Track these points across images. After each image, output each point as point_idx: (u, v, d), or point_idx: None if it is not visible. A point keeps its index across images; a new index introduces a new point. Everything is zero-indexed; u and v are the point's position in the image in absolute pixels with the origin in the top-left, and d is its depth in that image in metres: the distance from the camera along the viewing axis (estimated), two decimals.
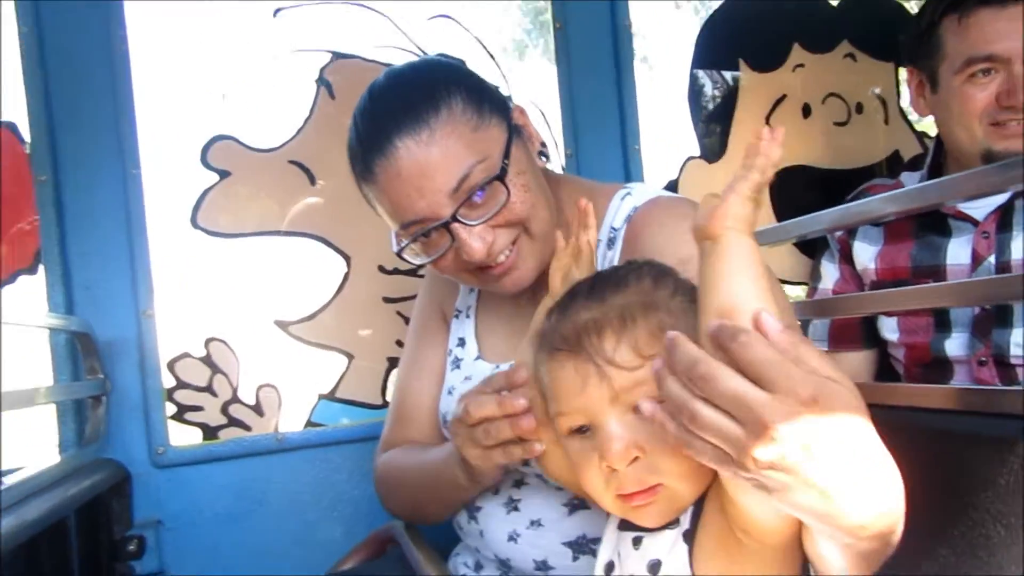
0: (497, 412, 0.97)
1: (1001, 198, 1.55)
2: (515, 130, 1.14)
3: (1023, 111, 1.49)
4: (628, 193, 1.21)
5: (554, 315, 0.88)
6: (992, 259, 1.54)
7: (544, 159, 1.20)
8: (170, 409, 1.66)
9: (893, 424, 1.01)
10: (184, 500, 1.64)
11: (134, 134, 1.64)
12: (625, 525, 0.88)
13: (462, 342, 1.34)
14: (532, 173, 1.14)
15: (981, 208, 1.57)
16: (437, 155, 1.06)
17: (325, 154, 1.76)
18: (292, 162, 1.76)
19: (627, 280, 0.85)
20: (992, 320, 1.52)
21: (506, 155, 1.10)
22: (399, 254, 1.16)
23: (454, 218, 1.08)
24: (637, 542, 0.85)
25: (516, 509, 1.18)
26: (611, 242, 1.18)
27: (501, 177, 1.08)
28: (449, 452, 1.13)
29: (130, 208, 1.63)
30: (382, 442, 1.41)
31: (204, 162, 1.70)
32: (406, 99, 1.09)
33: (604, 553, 0.91)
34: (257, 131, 1.75)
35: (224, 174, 1.71)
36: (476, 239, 1.09)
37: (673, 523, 0.82)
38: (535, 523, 1.16)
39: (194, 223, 1.69)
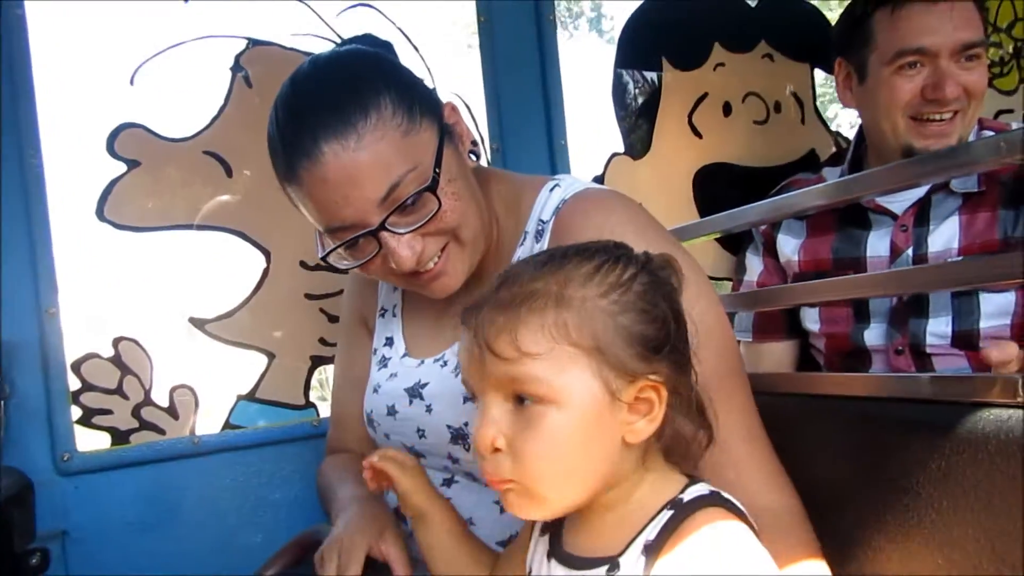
0: None
1: (919, 193, 1.61)
2: (446, 131, 1.11)
3: (945, 106, 1.54)
4: (556, 185, 1.20)
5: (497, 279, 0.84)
6: (910, 252, 1.60)
7: (474, 158, 1.17)
8: (76, 413, 1.56)
9: (819, 412, 1.04)
10: (92, 509, 1.55)
11: (34, 120, 1.53)
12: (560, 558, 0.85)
13: (390, 341, 1.31)
14: (463, 178, 1.11)
15: (900, 202, 1.63)
16: (366, 162, 1.01)
17: (242, 145, 1.69)
18: (207, 152, 1.68)
19: (566, 264, 0.80)
20: (909, 311, 1.58)
21: (437, 163, 1.06)
22: (324, 259, 1.12)
23: (382, 227, 1.05)
24: None
25: None
26: (539, 234, 1.16)
27: (432, 188, 1.05)
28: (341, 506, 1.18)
29: (30, 200, 1.52)
30: (326, 445, 1.44)
31: (111, 151, 1.61)
32: (332, 98, 1.04)
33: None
34: (168, 119, 1.66)
35: (133, 164, 1.62)
36: (405, 248, 1.06)
37: (615, 568, 0.78)
38: (467, 522, 1.14)
39: (100, 216, 1.59)
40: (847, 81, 1.70)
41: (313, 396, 1.74)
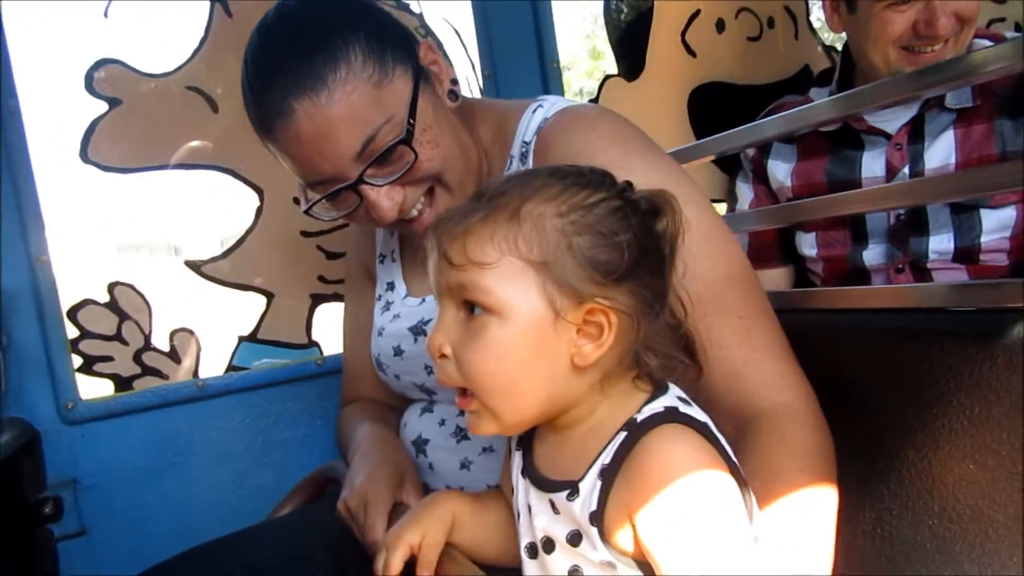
0: None
1: (911, 111, 1.59)
2: (422, 74, 1.07)
3: (938, 39, 1.52)
4: (539, 106, 1.17)
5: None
6: (906, 170, 1.59)
7: (454, 98, 1.13)
8: (76, 361, 1.53)
9: (840, 328, 1.04)
10: (101, 456, 1.54)
11: (6, 60, 1.46)
12: (533, 479, 0.84)
13: (391, 285, 1.30)
14: (442, 123, 1.08)
15: (893, 121, 1.61)
16: (338, 117, 0.99)
17: (226, 79, 1.62)
18: (190, 88, 1.61)
19: (535, 181, 0.79)
20: (909, 229, 1.57)
21: (411, 114, 1.03)
22: (307, 212, 1.10)
23: (360, 180, 1.03)
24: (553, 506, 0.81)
25: (466, 438, 1.16)
26: (523, 156, 1.14)
27: (407, 140, 1.02)
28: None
29: (10, 144, 1.46)
30: (340, 397, 1.43)
31: (90, 89, 1.54)
32: (300, 50, 0.99)
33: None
34: (148, 54, 1.59)
35: (114, 102, 1.55)
36: (385, 199, 1.05)
37: (575, 493, 0.78)
38: (487, 449, 1.14)
39: (84, 158, 1.54)
40: (835, 6, 1.66)
41: (316, 335, 1.72)
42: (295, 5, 1.07)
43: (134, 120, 1.57)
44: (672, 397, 0.79)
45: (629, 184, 0.82)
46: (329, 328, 1.71)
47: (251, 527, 1.32)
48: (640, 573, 0.75)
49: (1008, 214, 1.51)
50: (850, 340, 0.98)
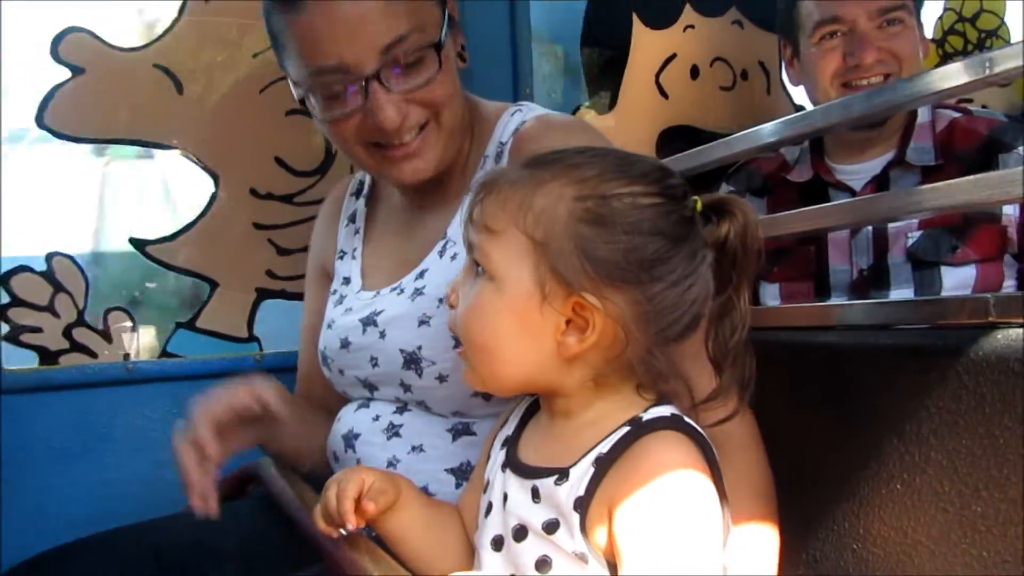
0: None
1: (876, 168, 1.62)
2: (448, 19, 1.09)
3: (869, 71, 1.57)
4: (519, 110, 1.19)
5: None
6: (869, 228, 1.60)
7: (462, 61, 1.16)
8: (3, 328, 1.47)
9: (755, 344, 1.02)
10: (15, 432, 1.45)
11: None
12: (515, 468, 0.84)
13: (347, 280, 1.27)
14: (454, 67, 1.10)
15: (859, 178, 1.64)
16: (380, 6, 1.00)
17: (194, 61, 1.61)
18: (157, 66, 1.59)
19: (578, 159, 0.79)
20: (870, 283, 1.59)
21: (442, 31, 1.05)
22: (302, 101, 1.08)
23: (376, 76, 1.02)
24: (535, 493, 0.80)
25: (397, 435, 1.13)
26: (498, 156, 1.14)
27: (438, 47, 1.03)
28: None
29: None
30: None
31: (55, 55, 1.51)
32: None
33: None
34: (118, 28, 1.57)
35: (77, 71, 1.52)
36: (392, 107, 1.03)
37: (564, 478, 0.77)
38: (416, 448, 1.11)
39: (39, 122, 1.50)
40: (790, 60, 1.74)
41: (257, 331, 1.67)
42: None
43: (95, 91, 1.54)
44: (675, 408, 0.79)
45: (685, 184, 0.80)
46: (272, 325, 1.67)
47: (162, 517, 1.26)
48: (608, 572, 0.74)
49: (968, 273, 1.53)
50: (776, 357, 0.97)
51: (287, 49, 1.06)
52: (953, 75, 0.79)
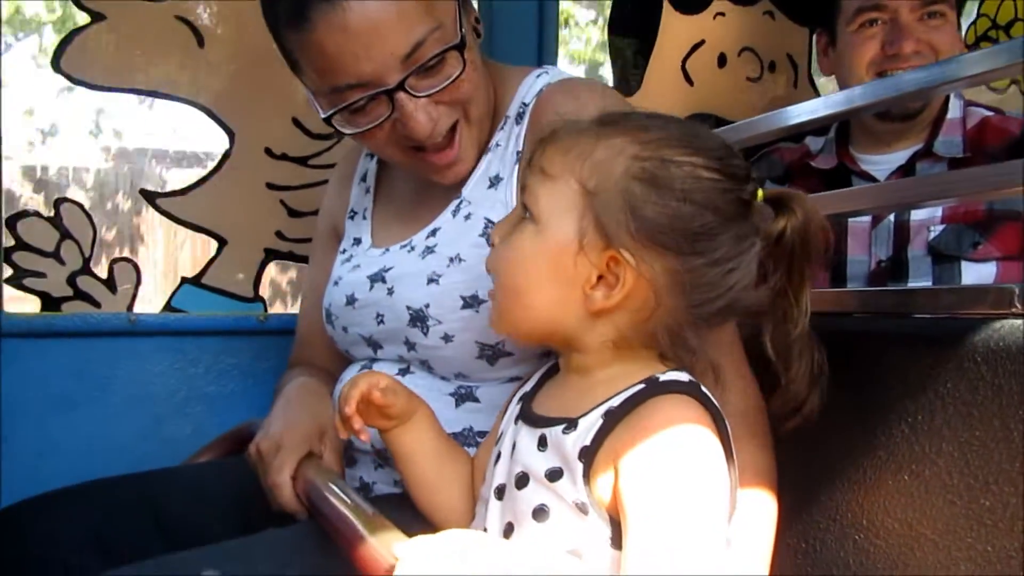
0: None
1: (902, 159, 1.59)
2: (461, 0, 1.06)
3: (906, 61, 1.54)
4: (544, 72, 1.16)
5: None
6: (892, 217, 1.58)
7: (476, 36, 1.11)
8: (6, 272, 1.46)
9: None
10: (14, 377, 1.45)
11: None
12: (527, 419, 0.83)
13: (357, 241, 1.25)
14: (475, 50, 1.06)
15: (884, 167, 1.61)
16: (393, 14, 0.94)
17: (218, 16, 1.59)
18: (179, 18, 1.58)
19: (651, 123, 0.79)
20: (888, 275, 1.56)
21: (461, 25, 1.00)
22: (328, 120, 1.03)
23: (401, 87, 0.97)
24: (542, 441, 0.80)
25: None
26: (519, 117, 1.11)
27: (460, 47, 0.99)
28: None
29: None
30: (289, 359, 1.36)
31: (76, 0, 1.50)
32: None
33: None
34: None
35: (98, 17, 1.51)
36: (422, 113, 0.99)
37: (572, 427, 0.76)
38: None
39: (56, 66, 1.48)
40: (824, 49, 1.71)
41: (263, 290, 1.66)
42: None
43: (115, 39, 1.53)
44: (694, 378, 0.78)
45: (749, 167, 0.79)
46: (277, 286, 1.65)
47: (158, 469, 1.25)
48: (608, 527, 0.73)
49: (988, 270, 1.50)
50: None
51: (301, 67, 1.02)
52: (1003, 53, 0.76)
